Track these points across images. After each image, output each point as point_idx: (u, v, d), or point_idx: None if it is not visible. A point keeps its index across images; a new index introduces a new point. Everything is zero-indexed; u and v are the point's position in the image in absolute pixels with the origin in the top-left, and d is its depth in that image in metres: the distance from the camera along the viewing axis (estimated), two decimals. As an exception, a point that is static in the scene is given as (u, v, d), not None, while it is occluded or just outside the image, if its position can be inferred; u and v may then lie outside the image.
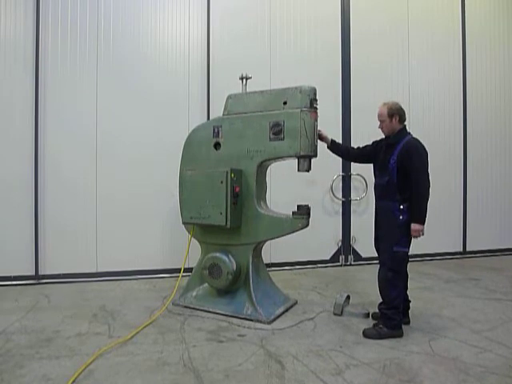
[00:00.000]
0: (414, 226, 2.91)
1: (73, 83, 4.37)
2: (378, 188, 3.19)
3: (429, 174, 2.94)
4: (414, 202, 2.93)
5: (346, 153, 3.49)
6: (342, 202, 5.23)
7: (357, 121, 5.19)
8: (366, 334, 2.97)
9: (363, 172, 5.07)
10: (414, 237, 2.94)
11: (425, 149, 2.99)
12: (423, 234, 2.93)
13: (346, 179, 5.23)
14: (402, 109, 3.12)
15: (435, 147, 5.53)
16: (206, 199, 3.34)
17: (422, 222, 2.92)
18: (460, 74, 5.76)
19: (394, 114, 3.09)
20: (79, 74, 4.40)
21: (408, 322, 3.20)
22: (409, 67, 5.51)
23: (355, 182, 5.24)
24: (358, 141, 4.78)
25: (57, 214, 4.35)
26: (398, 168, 2.97)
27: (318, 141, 3.32)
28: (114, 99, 4.47)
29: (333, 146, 3.45)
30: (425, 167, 2.93)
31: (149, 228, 4.56)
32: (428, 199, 2.92)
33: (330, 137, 3.42)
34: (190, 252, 3.65)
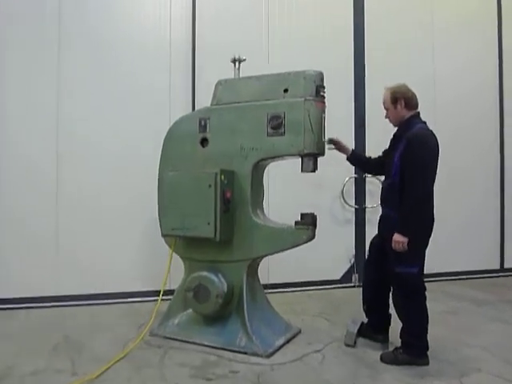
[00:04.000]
0: (395, 236, 2.94)
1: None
2: (381, 192, 3.30)
3: (429, 177, 2.94)
4: (402, 206, 2.94)
5: (367, 164, 3.58)
6: (355, 209, 5.25)
7: (372, 116, 5.18)
8: (383, 359, 3.06)
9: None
10: (395, 249, 2.96)
11: (434, 144, 3.01)
12: (406, 249, 2.92)
13: (360, 182, 5.25)
14: (408, 91, 3.15)
15: (466, 145, 5.63)
16: (191, 206, 3.34)
17: (405, 233, 2.93)
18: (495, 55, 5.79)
19: (399, 99, 3.13)
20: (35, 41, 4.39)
21: (384, 341, 3.33)
22: (433, 49, 5.56)
23: (370, 186, 5.26)
24: (373, 140, 4.81)
25: (8, 223, 4.32)
26: (402, 167, 3.00)
27: (334, 147, 3.40)
28: (79, 81, 4.48)
29: (352, 157, 3.52)
30: (424, 165, 2.92)
31: (122, 242, 4.56)
32: (421, 206, 2.93)
33: (350, 147, 3.49)
34: (172, 270, 3.63)
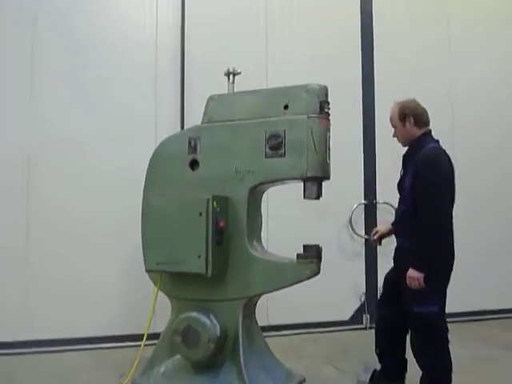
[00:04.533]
0: (409, 272, 2.95)
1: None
2: (395, 220, 3.36)
3: (444, 202, 2.96)
4: (416, 237, 2.96)
5: None
6: (365, 239, 5.27)
7: (384, 139, 5.11)
8: None
9: (393, 199, 5.07)
10: (410, 286, 2.97)
11: (448, 164, 3.07)
12: (422, 286, 2.93)
13: (370, 209, 5.31)
14: (418, 107, 3.23)
15: (486, 171, 5.69)
16: (179, 237, 3.34)
17: (421, 268, 2.94)
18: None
19: (407, 116, 3.18)
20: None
21: None
22: (450, 63, 5.69)
23: (383, 213, 5.29)
24: (385, 165, 4.87)
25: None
26: (414, 192, 3.03)
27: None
28: (56, 90, 4.60)
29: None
30: (437, 188, 2.94)
31: (100, 277, 4.55)
32: (437, 235, 2.94)
33: (388, 225, 3.52)
34: (157, 311, 3.61)
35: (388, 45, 5.51)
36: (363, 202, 5.28)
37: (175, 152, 3.57)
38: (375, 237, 3.55)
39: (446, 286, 3.09)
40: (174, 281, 3.52)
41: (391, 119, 3.25)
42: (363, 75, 5.46)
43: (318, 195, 3.27)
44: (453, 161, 3.16)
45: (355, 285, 5.22)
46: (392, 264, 3.39)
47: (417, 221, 2.98)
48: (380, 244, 3.60)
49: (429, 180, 2.95)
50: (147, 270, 3.49)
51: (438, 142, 3.19)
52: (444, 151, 3.13)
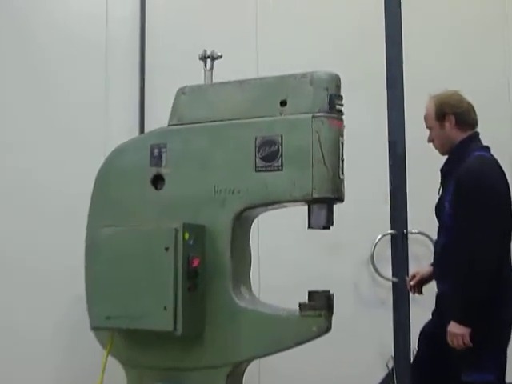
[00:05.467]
0: (450, 327, 2.98)
1: None
2: (434, 257, 3.47)
3: (493, 233, 2.94)
4: (457, 279, 3.01)
5: None
6: (393, 283, 5.21)
7: (416, 146, 5.09)
8: None
9: (430, 228, 4.98)
10: (452, 345, 2.96)
11: (499, 181, 3.05)
12: (468, 345, 2.91)
13: (400, 241, 5.23)
14: (462, 102, 3.30)
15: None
16: (138, 282, 3.27)
17: (465, 321, 2.94)
18: None
19: (447, 114, 3.21)
20: None
21: None
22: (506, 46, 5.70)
23: (416, 247, 5.25)
24: (417, 182, 4.83)
25: None
26: (456, 219, 3.09)
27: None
28: None
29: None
30: (483, 214, 2.94)
31: (29, 337, 4.47)
32: (484, 277, 2.93)
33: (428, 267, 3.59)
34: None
35: (421, 30, 5.50)
36: (390, 231, 5.21)
37: (132, 165, 3.52)
38: (413, 282, 3.54)
39: (506, 347, 3.06)
40: (130, 342, 3.44)
41: (426, 118, 3.27)
42: (388, 63, 5.42)
43: (328, 223, 3.21)
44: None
45: (380, 346, 5.14)
46: (431, 316, 3.38)
47: (459, 256, 2.99)
48: (420, 292, 3.57)
49: (470, 202, 2.95)
50: (93, 328, 3.42)
51: (487, 149, 3.20)
52: (496, 162, 3.13)
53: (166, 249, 3.20)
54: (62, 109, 4.80)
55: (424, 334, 3.49)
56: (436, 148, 3.29)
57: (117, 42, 4.96)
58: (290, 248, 4.79)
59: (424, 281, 3.55)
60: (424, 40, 5.48)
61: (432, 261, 3.55)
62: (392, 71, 5.41)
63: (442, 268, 3.25)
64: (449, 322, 3.01)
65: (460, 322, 2.92)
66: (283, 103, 3.24)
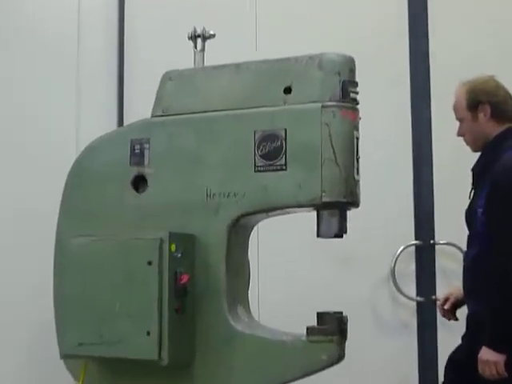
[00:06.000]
0: (481, 353, 3.00)
1: None
2: (463, 272, 3.45)
3: None
4: (489, 297, 3.04)
5: None
6: (418, 303, 5.20)
7: (444, 142, 5.17)
8: None
9: (460, 238, 4.99)
10: (483, 374, 2.97)
11: None
12: (502, 374, 2.93)
13: (426, 254, 5.21)
14: (498, 90, 3.26)
15: None
16: (116, 302, 3.25)
17: (498, 346, 2.96)
18: None
19: (481, 103, 3.23)
20: None
21: None
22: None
23: (445, 260, 5.22)
24: (446, 188, 4.83)
25: None
26: (489, 226, 3.12)
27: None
28: None
29: None
30: None
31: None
32: None
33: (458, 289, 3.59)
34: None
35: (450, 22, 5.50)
36: (414, 242, 5.18)
37: (108, 164, 3.51)
38: (446, 306, 3.55)
39: None
40: (106, 372, 3.43)
41: (456, 108, 3.28)
42: (411, 47, 5.43)
43: (341, 231, 3.19)
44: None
45: (402, 377, 5.13)
46: (460, 341, 3.39)
47: (493, 268, 3.01)
48: (455, 317, 3.59)
49: (508, 205, 2.98)
50: (63, 356, 3.40)
51: None
52: None
53: (149, 263, 3.18)
54: (20, 94, 4.77)
55: (451, 362, 3.49)
56: (467, 143, 3.30)
57: (91, 12, 4.95)
58: (295, 261, 4.77)
59: (459, 303, 3.54)
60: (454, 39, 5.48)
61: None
62: (416, 51, 5.42)
63: (472, 284, 3.25)
64: (480, 348, 3.00)
65: (493, 347, 2.91)
66: (287, 90, 3.21)
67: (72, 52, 4.82)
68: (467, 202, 3.39)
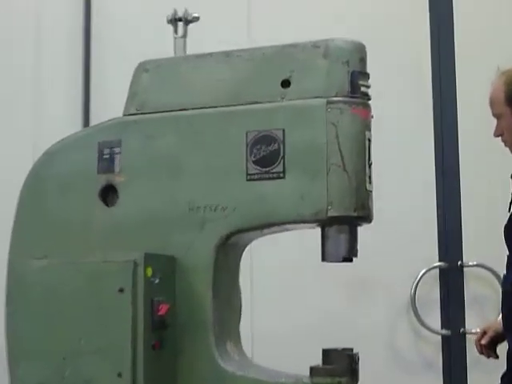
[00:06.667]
0: None
1: None
2: (502, 302, 3.50)
3: None
4: None
5: None
6: (443, 337, 5.21)
7: (474, 145, 5.27)
8: None
9: (493, 259, 4.99)
10: None
11: None
12: None
13: (453, 279, 5.24)
14: None
15: None
16: (82, 336, 3.23)
17: None
18: None
19: None
20: None
21: None
22: None
23: (475, 285, 5.26)
24: (474, 197, 4.86)
25: None
26: None
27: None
28: None
29: None
30: None
31: None
32: None
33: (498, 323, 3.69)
34: None
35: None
36: (438, 264, 5.21)
37: (72, 172, 3.49)
38: (484, 341, 3.57)
39: None
40: None
41: (492, 103, 3.29)
42: (432, 37, 5.50)
43: (350, 253, 3.17)
44: None
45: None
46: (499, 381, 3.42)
47: None
48: (495, 354, 3.63)
49: None
50: None
51: None
52: None
53: (121, 290, 3.16)
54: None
55: None
56: (506, 144, 3.29)
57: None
58: (296, 287, 4.78)
59: (500, 337, 3.55)
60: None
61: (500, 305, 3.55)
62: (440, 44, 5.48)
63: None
64: None
65: None
66: (286, 83, 3.22)
67: (29, 34, 4.84)
68: (505, 216, 3.39)
